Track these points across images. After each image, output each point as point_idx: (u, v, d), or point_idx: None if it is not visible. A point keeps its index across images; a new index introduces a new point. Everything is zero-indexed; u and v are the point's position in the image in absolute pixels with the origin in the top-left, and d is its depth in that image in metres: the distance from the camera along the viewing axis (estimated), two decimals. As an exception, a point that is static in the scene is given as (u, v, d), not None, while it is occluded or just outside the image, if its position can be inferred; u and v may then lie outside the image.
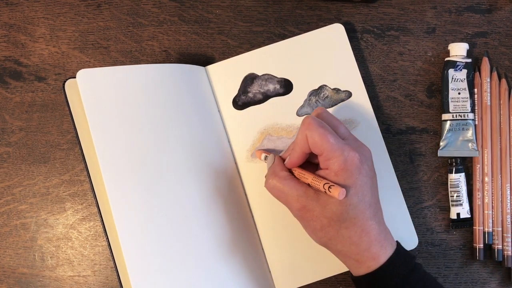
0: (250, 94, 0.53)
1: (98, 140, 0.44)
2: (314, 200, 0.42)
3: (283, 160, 0.47)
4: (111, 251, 0.45)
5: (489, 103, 0.53)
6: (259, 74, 0.53)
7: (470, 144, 0.52)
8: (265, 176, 0.46)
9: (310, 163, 0.46)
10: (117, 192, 0.44)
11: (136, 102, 0.47)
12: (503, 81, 0.53)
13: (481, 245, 0.52)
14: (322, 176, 0.43)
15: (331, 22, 0.55)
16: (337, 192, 0.41)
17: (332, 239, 0.43)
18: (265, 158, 0.50)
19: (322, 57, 0.53)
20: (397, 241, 0.45)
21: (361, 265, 0.43)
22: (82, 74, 0.45)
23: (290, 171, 0.46)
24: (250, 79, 0.53)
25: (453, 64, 0.53)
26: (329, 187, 0.41)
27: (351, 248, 0.42)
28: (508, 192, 0.52)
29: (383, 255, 0.42)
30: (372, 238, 0.42)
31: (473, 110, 0.53)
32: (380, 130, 0.53)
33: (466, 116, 0.52)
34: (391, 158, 0.53)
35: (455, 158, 0.52)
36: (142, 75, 0.48)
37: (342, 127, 0.45)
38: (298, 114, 0.53)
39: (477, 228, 0.52)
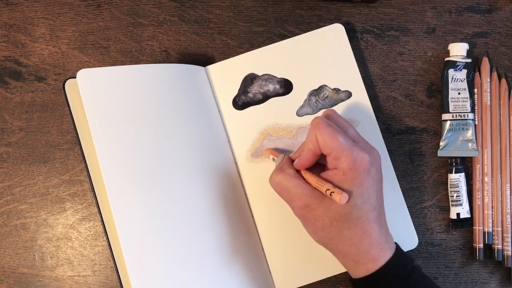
0: (250, 94, 0.53)
1: (98, 140, 0.44)
2: (318, 199, 0.42)
3: (293, 161, 0.47)
4: (111, 251, 0.45)
5: (489, 103, 0.53)
6: (259, 74, 0.53)
7: (470, 144, 0.52)
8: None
9: (318, 163, 0.46)
10: (117, 192, 0.44)
11: (136, 102, 0.47)
12: (503, 81, 0.54)
13: (481, 245, 0.52)
14: (330, 176, 0.43)
15: (331, 22, 0.55)
16: (338, 197, 0.40)
17: (333, 239, 0.42)
18: (273, 159, 0.50)
19: (322, 57, 0.53)
20: (396, 243, 0.45)
21: (360, 266, 0.43)
22: (82, 74, 0.45)
23: (297, 170, 0.46)
24: (250, 79, 0.53)
25: (453, 64, 0.53)
26: (331, 193, 0.41)
27: (351, 249, 0.42)
28: (508, 192, 0.52)
29: (382, 257, 0.42)
30: (372, 241, 0.42)
31: (473, 110, 0.53)
32: (380, 130, 0.53)
33: (466, 116, 0.52)
34: (391, 158, 0.53)
35: (455, 158, 0.52)
36: (142, 75, 0.48)
37: (352, 129, 0.45)
38: (298, 114, 0.53)
39: (477, 228, 0.52)
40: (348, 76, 0.53)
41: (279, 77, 0.53)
